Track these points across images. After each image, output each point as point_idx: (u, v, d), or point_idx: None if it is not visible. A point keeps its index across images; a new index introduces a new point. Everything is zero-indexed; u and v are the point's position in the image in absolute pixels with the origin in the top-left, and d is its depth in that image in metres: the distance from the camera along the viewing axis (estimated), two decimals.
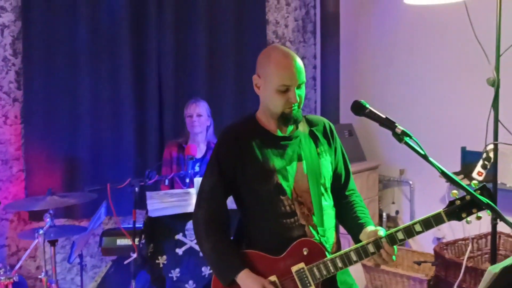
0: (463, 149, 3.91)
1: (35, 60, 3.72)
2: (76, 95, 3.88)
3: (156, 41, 4.11)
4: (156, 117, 4.16)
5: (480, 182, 3.12)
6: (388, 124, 1.80)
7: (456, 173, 3.78)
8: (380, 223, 4.41)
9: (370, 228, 1.88)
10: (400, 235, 1.80)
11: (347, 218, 2.02)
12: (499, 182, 3.55)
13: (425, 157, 1.75)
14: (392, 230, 1.82)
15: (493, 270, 1.21)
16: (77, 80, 3.87)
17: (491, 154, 3.00)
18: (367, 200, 4.18)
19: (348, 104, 1.90)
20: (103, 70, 3.96)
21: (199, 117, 3.58)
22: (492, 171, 3.07)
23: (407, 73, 4.35)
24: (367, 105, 1.85)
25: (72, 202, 2.87)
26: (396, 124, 1.80)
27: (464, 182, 3.59)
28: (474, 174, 3.13)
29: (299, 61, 1.87)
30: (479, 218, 1.80)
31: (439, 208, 1.82)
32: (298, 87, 1.87)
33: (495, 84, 2.89)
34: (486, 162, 3.05)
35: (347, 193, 2.08)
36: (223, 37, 4.41)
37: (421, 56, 4.24)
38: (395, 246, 1.81)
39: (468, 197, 1.76)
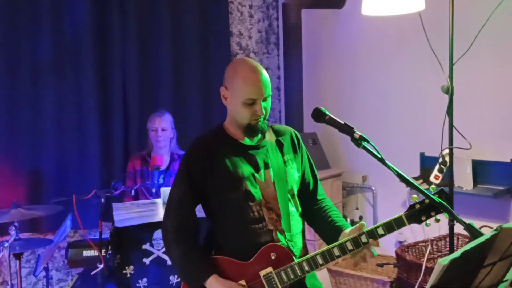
0: (422, 155, 4.05)
1: None
2: (39, 108, 3.85)
3: (120, 54, 4.13)
4: (121, 129, 4.16)
5: (437, 185, 3.26)
6: (346, 129, 1.88)
7: (416, 178, 3.92)
8: None
9: (348, 229, 1.95)
10: (364, 239, 1.86)
11: (322, 223, 2.09)
12: (456, 185, 3.72)
13: (382, 160, 1.83)
14: (356, 234, 1.87)
15: (442, 262, 1.28)
16: (40, 93, 3.85)
17: (447, 159, 3.13)
18: None
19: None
20: (66, 83, 3.94)
21: (164, 132, 3.60)
22: (448, 175, 3.20)
23: (368, 83, 4.48)
24: (327, 112, 1.93)
25: (38, 214, 2.85)
26: (355, 130, 1.87)
27: (423, 186, 3.72)
28: (432, 178, 3.26)
29: (265, 75, 1.93)
30: (437, 220, 1.88)
31: (401, 211, 1.91)
32: (264, 99, 1.93)
33: (449, 91, 3.03)
34: (442, 166, 3.18)
35: (318, 197, 2.15)
36: (187, 49, 4.46)
37: (380, 66, 4.37)
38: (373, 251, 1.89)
39: (427, 201, 1.84)
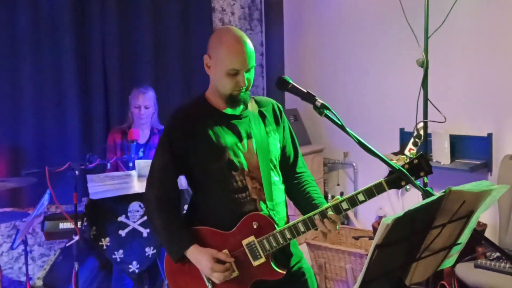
0: (402, 131, 4.07)
1: None
2: (18, 84, 3.85)
3: (100, 29, 4.10)
4: (101, 105, 4.15)
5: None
6: (309, 98, 1.87)
7: (395, 153, 3.94)
8: None
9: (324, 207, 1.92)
10: (345, 205, 1.84)
11: (300, 198, 2.08)
12: (434, 160, 3.75)
13: (342, 127, 1.83)
14: (337, 200, 1.86)
15: (386, 221, 1.30)
16: (19, 69, 3.83)
17: (422, 132, 3.15)
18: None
19: None
20: (45, 59, 3.92)
21: (147, 109, 3.59)
22: (423, 148, 3.23)
23: (348, 58, 4.49)
24: (290, 81, 1.93)
25: (10, 186, 2.86)
26: (316, 98, 1.87)
27: (403, 161, 3.73)
28: (406, 151, 3.29)
29: (250, 45, 1.91)
30: None
31: None
32: (248, 71, 1.92)
33: (424, 64, 3.04)
34: (416, 140, 3.21)
35: (298, 170, 2.13)
36: (168, 24, 4.43)
37: (360, 41, 4.37)
38: (340, 216, 1.87)
39: (406, 166, 1.84)
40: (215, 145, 1.92)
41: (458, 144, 3.72)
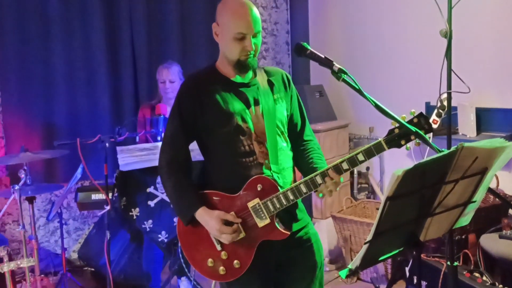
0: (427, 104, 4.06)
1: (7, 29, 3.84)
2: (50, 63, 4.01)
3: (128, 8, 4.23)
4: (130, 83, 4.28)
5: (435, 130, 3.26)
6: (326, 63, 1.91)
7: None
8: (352, 180, 4.57)
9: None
10: (345, 165, 1.89)
11: (303, 163, 2.14)
12: (460, 133, 3.73)
13: (359, 91, 1.87)
14: (337, 161, 1.91)
15: (396, 173, 1.35)
16: (50, 48, 3.99)
17: (445, 103, 3.14)
18: (338, 157, 4.31)
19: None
20: (75, 38, 4.07)
21: (172, 83, 3.67)
22: (447, 120, 3.22)
23: (372, 34, 4.47)
24: (308, 47, 1.97)
25: (43, 157, 2.98)
26: (334, 63, 1.91)
27: (428, 135, 3.73)
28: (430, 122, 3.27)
29: (255, 10, 1.97)
30: (418, 144, 1.90)
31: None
32: (254, 35, 1.97)
33: (448, 35, 3.02)
34: (440, 111, 3.19)
35: (305, 137, 2.20)
36: (195, 1, 4.51)
37: (384, 14, 4.35)
38: (341, 178, 1.92)
39: None
40: (223, 110, 1.98)
41: (484, 117, 3.69)
